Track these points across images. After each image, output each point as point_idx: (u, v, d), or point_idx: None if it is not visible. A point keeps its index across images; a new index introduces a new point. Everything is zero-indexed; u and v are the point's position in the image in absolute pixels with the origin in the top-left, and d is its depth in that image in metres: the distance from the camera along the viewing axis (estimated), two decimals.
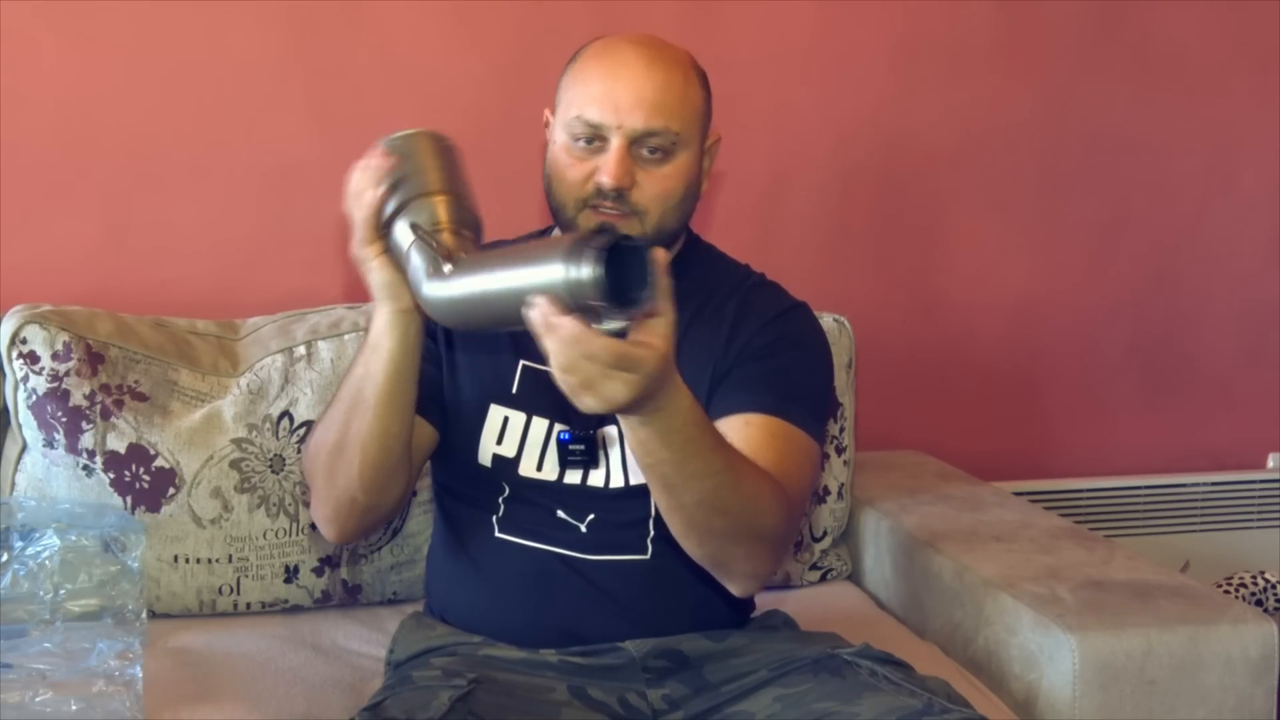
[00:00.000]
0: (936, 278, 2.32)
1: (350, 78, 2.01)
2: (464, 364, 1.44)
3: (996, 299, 2.35)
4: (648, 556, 1.40)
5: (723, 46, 2.14)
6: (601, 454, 1.38)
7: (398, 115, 2.03)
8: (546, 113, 1.43)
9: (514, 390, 1.41)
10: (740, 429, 1.31)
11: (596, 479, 1.39)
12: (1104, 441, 2.43)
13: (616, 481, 1.39)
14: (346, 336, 1.76)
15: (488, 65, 2.05)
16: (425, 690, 1.27)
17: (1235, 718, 1.55)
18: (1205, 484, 2.41)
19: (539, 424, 1.40)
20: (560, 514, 1.40)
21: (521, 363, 1.41)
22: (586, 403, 1.04)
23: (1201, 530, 2.40)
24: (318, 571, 1.73)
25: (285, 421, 1.71)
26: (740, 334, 1.41)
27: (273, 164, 2.00)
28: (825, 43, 2.19)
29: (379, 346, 1.25)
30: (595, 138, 1.33)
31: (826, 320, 1.90)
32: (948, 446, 2.28)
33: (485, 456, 1.41)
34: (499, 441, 1.41)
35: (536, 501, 1.41)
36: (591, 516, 1.39)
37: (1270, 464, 2.51)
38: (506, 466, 1.40)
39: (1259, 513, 2.43)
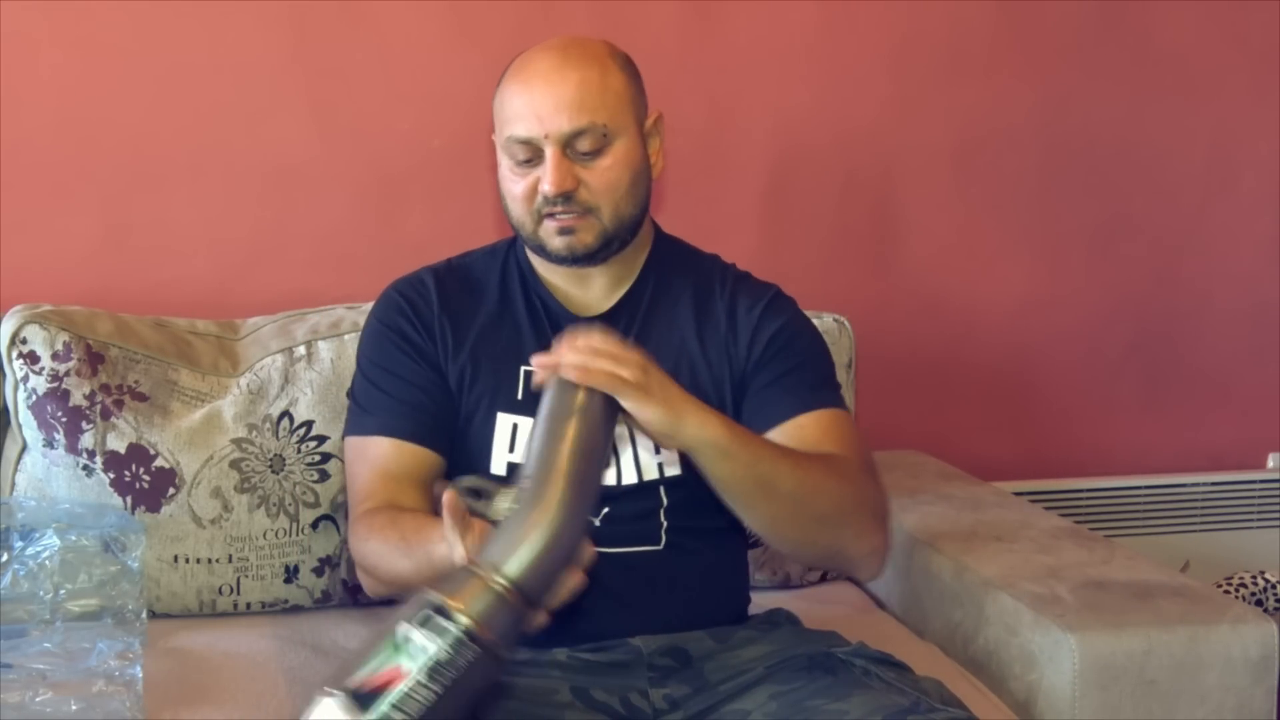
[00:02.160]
0: (936, 278, 2.32)
1: (350, 78, 2.01)
2: (467, 377, 1.44)
3: (996, 299, 2.35)
4: (661, 547, 1.41)
5: (722, 47, 2.14)
6: (612, 452, 1.39)
7: (398, 115, 2.04)
8: (493, 138, 1.45)
9: (519, 396, 1.42)
10: (794, 433, 1.39)
11: (609, 477, 1.40)
12: (1104, 441, 2.43)
13: (629, 478, 1.41)
14: (346, 336, 1.76)
15: (488, 65, 2.03)
16: None
17: (1235, 718, 1.55)
18: (1205, 484, 2.41)
19: None
20: None
21: (524, 368, 1.42)
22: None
23: (1201, 530, 2.40)
24: (318, 571, 1.73)
25: (285, 421, 1.71)
26: (744, 336, 1.46)
27: (273, 164, 2.00)
28: (826, 43, 2.19)
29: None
30: (531, 154, 1.36)
31: (826, 320, 1.90)
32: (948, 446, 2.28)
33: (499, 466, 1.42)
34: (511, 449, 1.42)
35: None
36: (606, 510, 1.40)
37: (1270, 464, 2.51)
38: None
39: (1259, 513, 2.43)
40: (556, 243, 1.39)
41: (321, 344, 1.76)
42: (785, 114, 2.19)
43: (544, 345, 1.34)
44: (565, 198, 1.35)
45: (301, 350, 1.75)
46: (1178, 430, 2.46)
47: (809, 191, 2.23)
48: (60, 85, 1.92)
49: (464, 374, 1.44)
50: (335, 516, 1.73)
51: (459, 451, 1.43)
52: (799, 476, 1.29)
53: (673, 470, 1.41)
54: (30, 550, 1.60)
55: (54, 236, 1.94)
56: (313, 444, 1.71)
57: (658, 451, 1.40)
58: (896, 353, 2.29)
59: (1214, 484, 2.41)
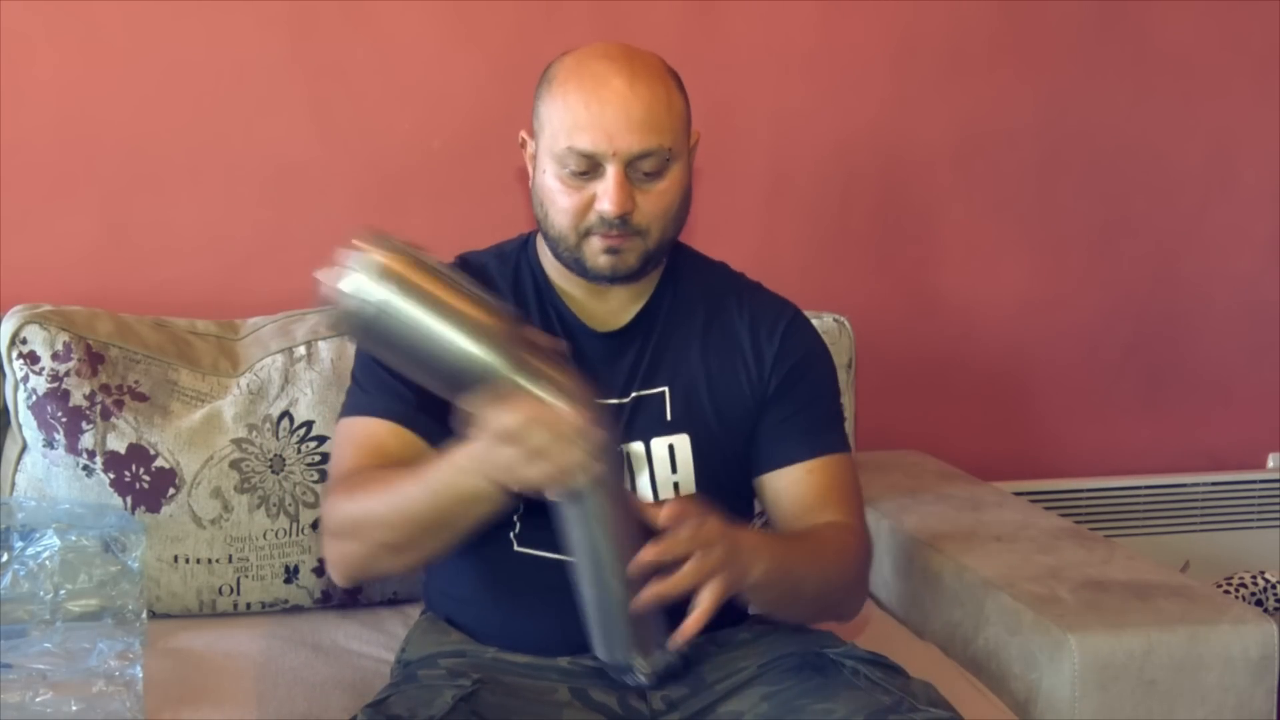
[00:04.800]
0: (936, 278, 2.32)
1: (350, 78, 2.01)
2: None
3: (996, 299, 2.35)
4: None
5: (723, 47, 2.14)
6: (627, 473, 1.38)
7: (398, 115, 2.04)
8: (523, 135, 1.40)
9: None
10: (804, 478, 1.42)
11: None
12: (1104, 441, 2.43)
13: (644, 497, 1.38)
14: (346, 336, 1.76)
15: (488, 65, 2.05)
16: (429, 689, 1.27)
17: (1235, 718, 1.55)
18: (1205, 484, 2.41)
19: None
20: None
21: None
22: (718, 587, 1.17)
23: (1201, 530, 2.40)
24: (318, 571, 1.73)
25: (285, 421, 1.71)
26: (766, 362, 1.44)
27: (273, 164, 2.00)
28: (826, 43, 2.19)
29: (484, 501, 1.21)
30: (589, 167, 1.30)
31: (826, 320, 1.90)
32: (948, 446, 2.28)
33: None
34: None
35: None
36: None
37: (1270, 464, 2.51)
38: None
39: (1259, 513, 2.43)
40: (601, 261, 1.33)
41: (321, 344, 1.76)
42: (785, 114, 2.19)
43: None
44: (621, 220, 1.30)
45: (301, 350, 1.75)
46: (1178, 430, 2.46)
47: (809, 191, 2.23)
48: (60, 85, 1.92)
49: None
50: None
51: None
52: (820, 578, 1.34)
53: (688, 489, 1.40)
54: (30, 550, 1.60)
55: (54, 236, 1.94)
56: (313, 444, 1.71)
57: (674, 471, 1.39)
58: (896, 353, 2.29)
59: (1214, 484, 2.41)
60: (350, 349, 1.73)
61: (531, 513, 1.37)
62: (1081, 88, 2.32)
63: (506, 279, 1.44)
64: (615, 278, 1.35)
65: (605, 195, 1.29)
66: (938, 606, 1.76)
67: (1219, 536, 2.41)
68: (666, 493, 1.39)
